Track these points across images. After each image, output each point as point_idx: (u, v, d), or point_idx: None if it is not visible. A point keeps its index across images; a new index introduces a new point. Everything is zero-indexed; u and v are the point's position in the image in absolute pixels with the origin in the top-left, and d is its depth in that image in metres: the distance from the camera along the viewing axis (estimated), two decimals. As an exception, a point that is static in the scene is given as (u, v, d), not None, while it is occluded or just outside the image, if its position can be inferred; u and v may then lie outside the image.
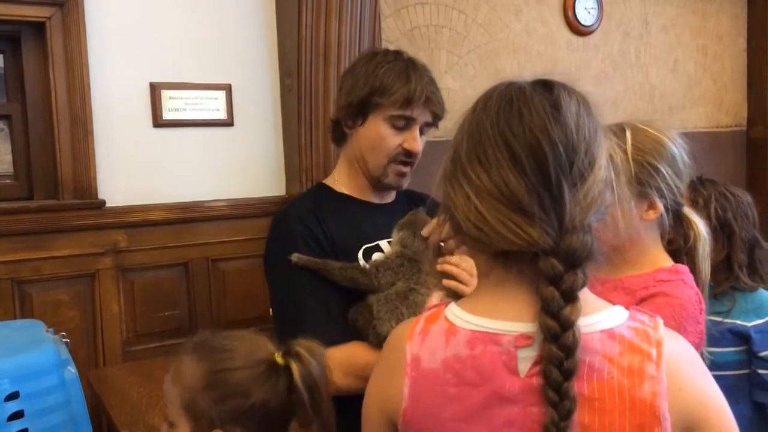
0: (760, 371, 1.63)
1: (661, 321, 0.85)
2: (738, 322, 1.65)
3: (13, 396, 1.48)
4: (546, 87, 0.85)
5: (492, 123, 0.83)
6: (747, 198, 1.75)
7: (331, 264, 1.37)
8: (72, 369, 1.61)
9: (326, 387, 1.11)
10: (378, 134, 1.44)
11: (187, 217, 2.61)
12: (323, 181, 1.58)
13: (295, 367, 1.09)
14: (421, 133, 1.47)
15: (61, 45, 2.38)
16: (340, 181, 1.52)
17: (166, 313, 2.60)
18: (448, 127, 3.23)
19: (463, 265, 1.28)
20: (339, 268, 1.37)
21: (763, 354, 1.63)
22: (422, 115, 1.45)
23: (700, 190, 1.72)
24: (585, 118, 0.84)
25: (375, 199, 1.53)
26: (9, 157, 2.49)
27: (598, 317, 0.83)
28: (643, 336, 0.82)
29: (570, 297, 0.79)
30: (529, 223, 0.79)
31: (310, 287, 1.37)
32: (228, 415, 1.06)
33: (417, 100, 1.42)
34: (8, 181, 2.48)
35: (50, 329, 1.75)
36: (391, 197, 1.56)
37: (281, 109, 2.78)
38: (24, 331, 1.77)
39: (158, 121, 2.57)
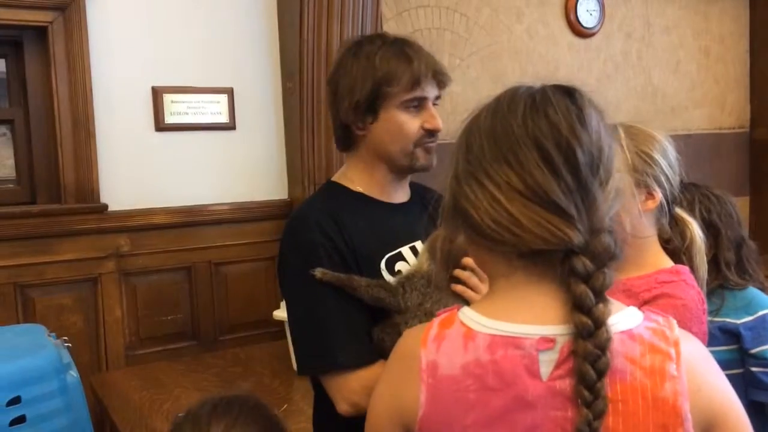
0: (754, 369, 1.62)
1: (674, 321, 0.85)
2: (728, 320, 1.65)
3: (14, 401, 1.48)
4: (567, 92, 0.86)
5: (519, 124, 0.83)
6: (730, 198, 1.77)
7: (357, 281, 1.29)
8: (74, 373, 1.60)
9: None
10: (397, 123, 1.36)
11: (190, 220, 2.61)
12: (334, 179, 1.48)
13: None
14: (435, 107, 1.41)
15: (63, 49, 2.39)
16: (356, 179, 1.44)
17: (168, 317, 2.60)
18: (452, 129, 3.23)
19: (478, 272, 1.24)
20: (365, 286, 1.28)
21: (754, 351, 1.63)
22: (432, 90, 1.39)
23: (683, 192, 1.73)
24: (602, 123, 0.86)
25: (393, 199, 1.45)
26: (11, 162, 2.49)
27: (616, 318, 0.82)
28: (661, 336, 0.82)
29: (601, 295, 0.80)
30: (566, 223, 0.80)
31: (334, 303, 1.28)
32: None
33: (425, 77, 1.35)
34: (11, 185, 2.49)
35: (52, 334, 1.75)
36: (406, 195, 1.49)
37: (283, 113, 2.79)
38: (25, 335, 1.77)
39: (160, 125, 2.57)
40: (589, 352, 0.77)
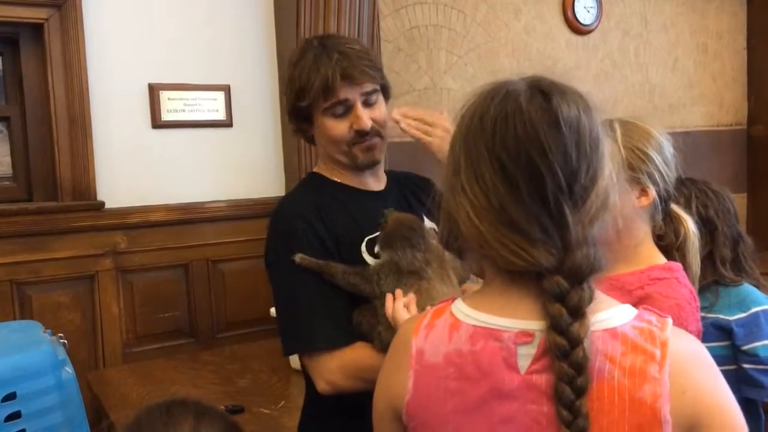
0: (745, 366, 1.62)
1: (669, 321, 0.83)
2: (720, 316, 1.64)
3: (10, 397, 1.48)
4: (544, 97, 0.81)
5: (487, 143, 0.81)
6: (728, 194, 1.76)
7: (334, 267, 1.34)
8: (69, 369, 1.60)
9: None
10: (325, 129, 1.41)
11: (187, 218, 2.61)
12: (315, 170, 1.54)
13: None
14: (370, 104, 1.41)
15: (60, 47, 2.38)
16: (332, 170, 1.49)
17: (165, 315, 2.60)
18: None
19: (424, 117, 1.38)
20: (342, 273, 1.34)
21: (746, 348, 1.62)
22: (353, 92, 1.38)
23: (680, 189, 1.72)
24: (586, 126, 0.81)
25: (369, 185, 1.49)
26: (8, 159, 2.49)
27: (604, 315, 0.81)
28: (648, 336, 0.80)
29: (578, 313, 0.78)
30: (531, 245, 0.79)
31: (314, 288, 1.34)
32: None
33: (334, 84, 1.35)
34: (7, 183, 2.49)
35: (47, 330, 1.75)
36: (383, 182, 1.52)
37: (280, 110, 2.78)
38: (21, 332, 1.76)
39: (157, 122, 2.57)
40: (565, 372, 0.77)
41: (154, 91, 2.55)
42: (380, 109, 1.43)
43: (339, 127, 1.39)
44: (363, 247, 1.40)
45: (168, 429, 0.93)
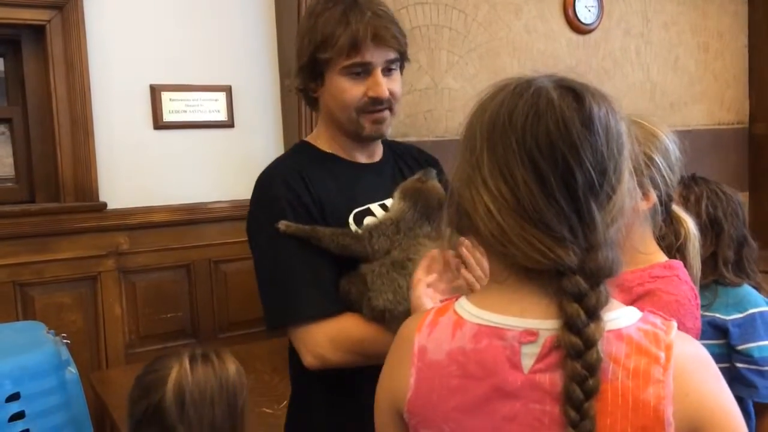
0: (739, 365, 1.63)
1: (674, 324, 0.83)
2: (717, 315, 1.66)
3: (14, 397, 1.49)
4: (576, 98, 0.80)
5: (518, 140, 0.79)
6: (738, 197, 1.78)
7: (321, 231, 1.27)
8: (73, 370, 1.61)
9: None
10: (338, 89, 1.32)
11: (189, 218, 2.61)
12: (306, 139, 1.47)
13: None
14: (389, 73, 1.34)
15: (61, 48, 2.39)
16: (325, 140, 1.41)
17: (168, 315, 2.60)
18: (451, 126, 3.22)
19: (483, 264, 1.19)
20: (330, 235, 1.27)
21: (740, 348, 1.63)
22: (378, 56, 1.30)
23: (692, 187, 1.73)
24: (614, 127, 0.81)
25: (361, 159, 1.42)
26: (10, 161, 2.50)
27: (610, 317, 0.81)
28: (653, 339, 0.80)
29: (594, 315, 0.78)
30: (557, 244, 0.79)
31: (299, 256, 1.27)
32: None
33: (363, 42, 1.27)
34: (10, 184, 2.49)
35: (51, 331, 1.76)
36: (378, 155, 1.45)
37: (282, 110, 2.79)
38: (24, 332, 1.77)
39: (159, 123, 2.57)
40: (577, 372, 0.77)
41: (155, 91, 2.55)
42: (397, 82, 1.37)
43: (354, 90, 1.31)
44: (351, 219, 1.34)
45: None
